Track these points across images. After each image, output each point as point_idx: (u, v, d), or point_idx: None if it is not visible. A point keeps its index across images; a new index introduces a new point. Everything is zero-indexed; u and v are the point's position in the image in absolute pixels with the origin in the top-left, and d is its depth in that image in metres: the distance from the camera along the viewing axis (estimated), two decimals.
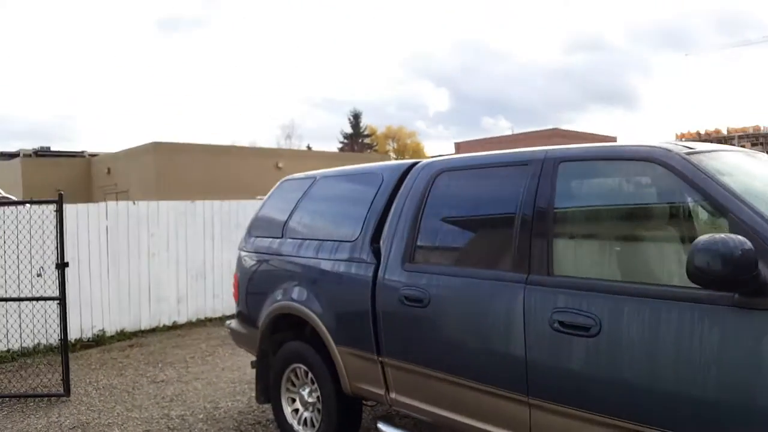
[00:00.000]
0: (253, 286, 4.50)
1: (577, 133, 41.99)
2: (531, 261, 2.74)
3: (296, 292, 3.95)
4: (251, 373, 5.99)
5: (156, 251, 8.41)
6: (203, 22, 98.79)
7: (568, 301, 2.57)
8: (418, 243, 3.31)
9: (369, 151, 48.50)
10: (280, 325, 4.19)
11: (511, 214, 2.91)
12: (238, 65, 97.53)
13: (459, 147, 42.87)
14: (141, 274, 8.26)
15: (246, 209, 9.33)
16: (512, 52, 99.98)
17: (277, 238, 4.30)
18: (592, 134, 43.44)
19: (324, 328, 3.68)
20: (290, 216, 4.27)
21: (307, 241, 4.00)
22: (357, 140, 53.12)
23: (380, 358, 3.39)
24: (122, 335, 8.02)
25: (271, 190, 4.74)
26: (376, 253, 3.50)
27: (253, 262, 4.52)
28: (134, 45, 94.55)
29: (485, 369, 2.84)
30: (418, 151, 57.69)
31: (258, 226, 4.65)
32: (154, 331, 8.33)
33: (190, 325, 8.68)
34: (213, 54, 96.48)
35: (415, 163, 3.68)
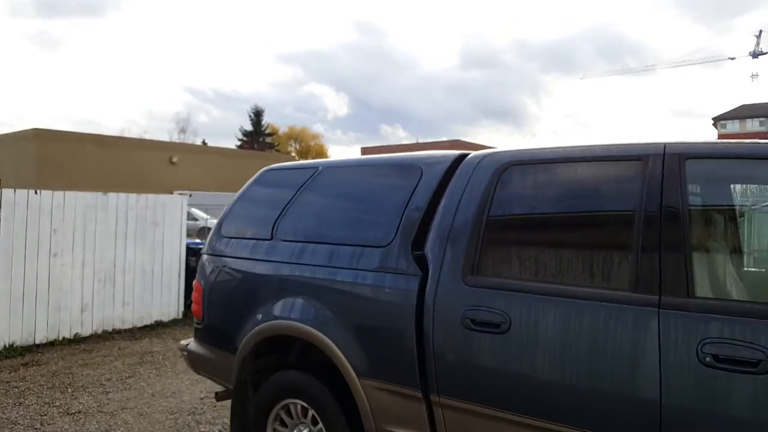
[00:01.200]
0: (226, 298, 3.56)
1: (478, 145, 44.09)
2: (663, 279, 2.16)
3: (297, 308, 3.10)
4: (191, 400, 5.04)
5: (59, 251, 7.05)
6: (92, 7, 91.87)
7: (723, 330, 2.01)
8: (485, 251, 2.63)
9: (271, 150, 47.01)
10: (265, 350, 3.33)
11: (624, 220, 2.33)
12: (126, 52, 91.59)
13: (365, 153, 43.11)
14: (40, 277, 6.88)
15: (166, 206, 8.21)
16: (412, 64, 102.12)
17: (264, 240, 3.41)
18: (492, 147, 45.69)
19: (341, 355, 2.88)
20: (283, 213, 3.41)
21: (312, 245, 3.16)
22: (258, 139, 51.08)
23: (428, 396, 2.66)
24: (12, 350, 6.62)
25: (249, 182, 3.83)
26: (419, 261, 2.77)
27: (228, 269, 3.60)
28: (15, 29, 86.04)
29: (596, 412, 2.21)
30: (321, 154, 56.74)
31: (232, 225, 3.73)
32: (52, 344, 6.97)
33: (96, 338, 7.39)
34: (105, 41, 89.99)
35: (463, 155, 3.01)
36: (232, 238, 3.65)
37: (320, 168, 3.50)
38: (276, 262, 3.30)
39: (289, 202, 3.42)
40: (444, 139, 49.23)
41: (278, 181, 3.67)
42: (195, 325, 3.76)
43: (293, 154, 51.77)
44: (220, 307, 3.59)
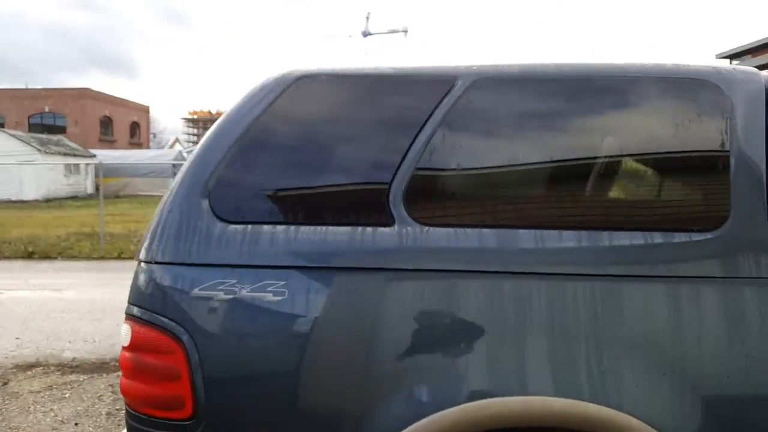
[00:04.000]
0: (291, 359, 1.57)
1: (110, 96, 41.64)
2: None
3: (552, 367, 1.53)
4: None
5: None
6: None
7: None
8: None
9: None
10: None
11: None
12: None
13: None
14: None
15: None
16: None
17: (385, 226, 1.60)
18: (125, 99, 43.99)
19: None
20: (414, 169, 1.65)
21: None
22: None
23: None
24: None
25: (269, 99, 1.74)
26: None
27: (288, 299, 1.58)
28: None
29: None
30: None
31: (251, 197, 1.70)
32: None
33: None
34: None
35: None
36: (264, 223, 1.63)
37: (477, 78, 1.73)
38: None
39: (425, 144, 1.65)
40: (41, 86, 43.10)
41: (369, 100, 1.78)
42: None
43: None
44: (268, 384, 1.60)
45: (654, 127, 1.69)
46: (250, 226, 1.65)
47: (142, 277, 1.68)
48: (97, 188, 28.90)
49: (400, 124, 1.74)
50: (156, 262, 1.66)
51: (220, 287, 1.60)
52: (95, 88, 40.86)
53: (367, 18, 43.23)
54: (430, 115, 1.71)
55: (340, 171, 1.71)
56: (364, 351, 1.56)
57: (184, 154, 36.02)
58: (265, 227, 1.65)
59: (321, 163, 1.73)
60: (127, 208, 19.59)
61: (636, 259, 1.59)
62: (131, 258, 10.04)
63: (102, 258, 10.07)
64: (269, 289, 1.59)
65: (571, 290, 1.56)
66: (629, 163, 1.71)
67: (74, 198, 26.02)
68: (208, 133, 1.80)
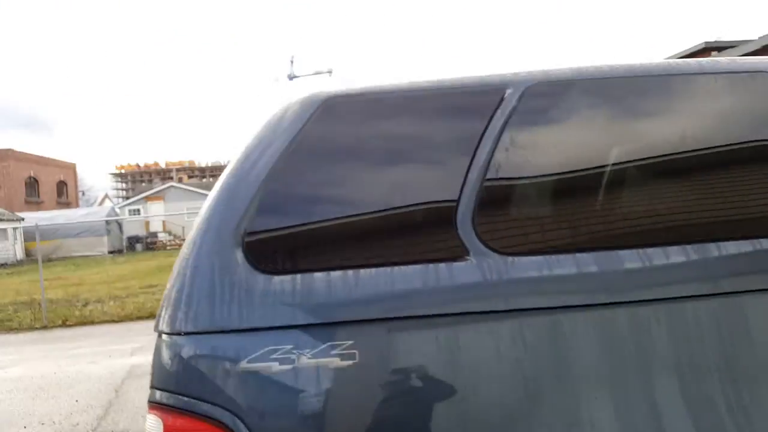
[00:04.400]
0: None
1: (34, 156, 39.93)
2: None
3: None
4: None
5: None
6: None
7: None
8: None
9: None
10: None
11: None
12: None
13: None
14: None
15: None
16: None
17: (459, 259, 1.33)
18: (50, 158, 42.49)
19: None
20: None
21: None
22: None
23: None
24: None
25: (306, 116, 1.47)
26: None
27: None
28: None
29: None
30: None
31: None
32: None
33: None
34: None
35: None
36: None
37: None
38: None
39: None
40: None
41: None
42: None
43: None
44: None
45: (747, 124, 1.51)
46: (298, 276, 1.35)
47: (167, 353, 1.35)
48: (27, 253, 27.29)
49: (454, 140, 1.49)
50: (185, 333, 1.33)
51: (274, 356, 1.29)
52: (17, 148, 38.59)
53: (292, 62, 44.21)
54: (486, 129, 1.47)
55: (397, 199, 1.44)
56: (462, 412, 1.28)
57: (117, 210, 34.77)
58: (317, 275, 1.35)
59: (370, 191, 1.45)
60: (63, 272, 18.51)
61: (754, 269, 1.38)
62: (79, 324, 9.43)
63: (45, 327, 9.29)
64: (334, 352, 1.29)
65: (692, 314, 1.33)
66: (727, 163, 1.51)
67: (3, 266, 24.40)
68: (227, 172, 1.50)
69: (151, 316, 8.26)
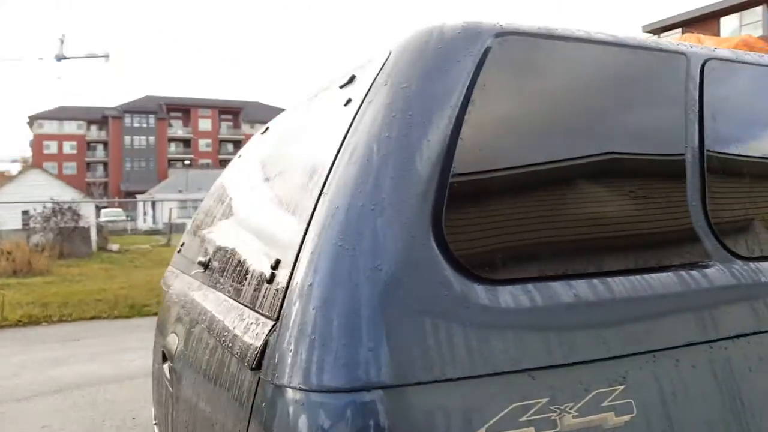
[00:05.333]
0: None
1: None
2: None
3: None
4: None
5: None
6: None
7: None
8: None
9: None
10: None
11: None
12: None
13: None
14: None
15: None
16: None
17: (701, 265, 1.04)
18: None
19: None
20: None
21: None
22: None
23: None
24: None
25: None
26: None
27: None
28: None
29: None
30: None
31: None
32: None
33: None
34: None
35: None
36: None
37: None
38: None
39: None
40: None
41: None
42: None
43: None
44: None
45: None
46: (530, 285, 0.85)
47: (305, 421, 0.74)
48: None
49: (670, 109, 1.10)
50: (353, 390, 0.74)
51: (525, 418, 0.78)
52: None
53: (62, 41, 38.74)
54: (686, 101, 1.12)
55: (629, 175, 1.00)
56: None
57: None
58: (554, 284, 0.87)
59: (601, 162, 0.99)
60: None
61: None
62: None
63: None
64: (605, 403, 0.83)
65: None
66: None
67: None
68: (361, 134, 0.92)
69: None
